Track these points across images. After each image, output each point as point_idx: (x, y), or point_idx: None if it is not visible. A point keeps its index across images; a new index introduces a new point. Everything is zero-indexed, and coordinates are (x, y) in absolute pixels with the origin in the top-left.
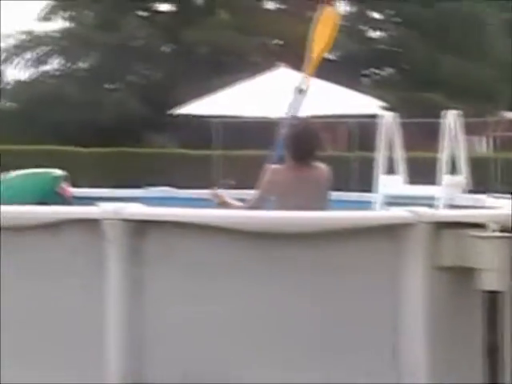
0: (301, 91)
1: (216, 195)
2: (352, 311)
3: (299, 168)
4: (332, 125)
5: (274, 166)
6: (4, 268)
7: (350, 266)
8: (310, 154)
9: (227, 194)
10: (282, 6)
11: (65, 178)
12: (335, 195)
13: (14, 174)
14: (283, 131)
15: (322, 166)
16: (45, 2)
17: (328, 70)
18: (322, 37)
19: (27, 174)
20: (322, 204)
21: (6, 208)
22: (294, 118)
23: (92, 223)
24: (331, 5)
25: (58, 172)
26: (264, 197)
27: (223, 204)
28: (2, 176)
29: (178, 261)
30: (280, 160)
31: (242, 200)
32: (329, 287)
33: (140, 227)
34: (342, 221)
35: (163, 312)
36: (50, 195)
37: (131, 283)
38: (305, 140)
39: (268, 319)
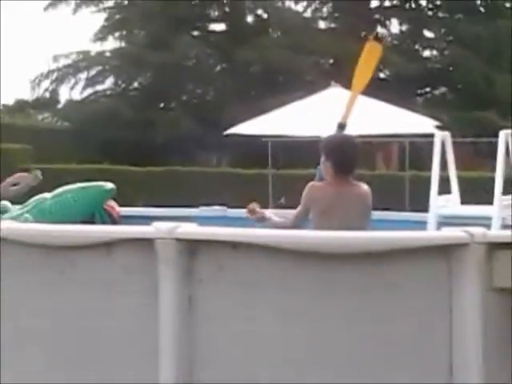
0: (342, 126)
1: (252, 211)
2: (406, 332)
3: (340, 184)
4: (384, 144)
5: (313, 183)
6: (57, 287)
7: (402, 287)
8: (352, 167)
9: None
10: (333, 25)
11: (113, 193)
12: (388, 215)
13: (62, 188)
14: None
15: (363, 184)
16: (100, 23)
17: (381, 89)
18: (362, 71)
19: (75, 189)
20: (364, 222)
21: (58, 226)
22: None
23: (145, 242)
24: (377, 40)
25: (107, 185)
26: (304, 214)
27: (261, 220)
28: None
29: (229, 280)
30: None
31: None
32: (381, 308)
33: (193, 247)
34: (394, 241)
35: (214, 331)
36: (99, 210)
37: (183, 302)
38: (346, 151)
39: (319, 339)
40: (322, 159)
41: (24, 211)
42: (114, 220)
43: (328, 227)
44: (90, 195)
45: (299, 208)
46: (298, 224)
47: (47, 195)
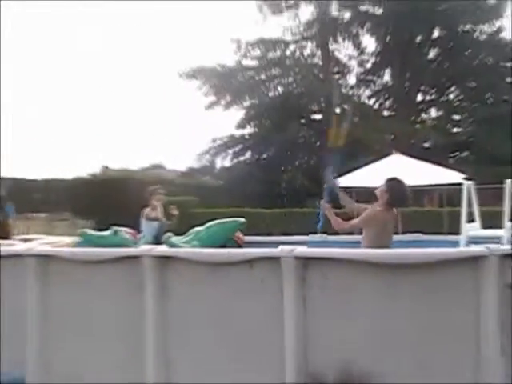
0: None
1: (324, 207)
2: (442, 322)
3: (388, 211)
4: (429, 190)
5: (373, 210)
6: (208, 296)
7: (444, 289)
8: (400, 206)
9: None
10: (393, 113)
11: (244, 225)
12: (433, 238)
13: (210, 223)
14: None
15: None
16: (241, 116)
17: (426, 154)
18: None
19: (218, 223)
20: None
21: (215, 250)
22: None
23: (274, 260)
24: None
25: (239, 220)
26: (360, 226)
27: (329, 214)
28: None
29: (332, 286)
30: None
31: None
32: (432, 306)
33: (306, 262)
34: (440, 255)
35: (322, 322)
36: (230, 240)
37: (300, 301)
38: (403, 196)
39: (391, 328)
40: (383, 188)
41: (190, 239)
42: (239, 246)
43: (381, 241)
44: (229, 226)
45: (358, 221)
46: (350, 230)
47: (201, 228)
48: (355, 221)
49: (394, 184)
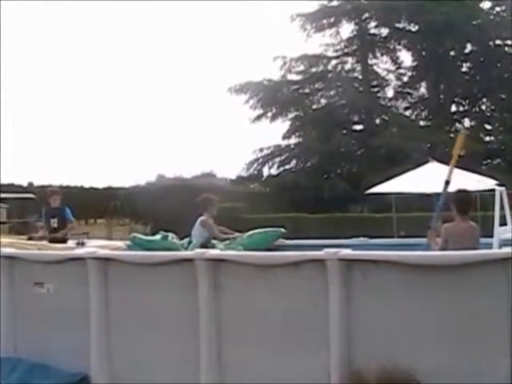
0: (447, 182)
1: (431, 234)
2: (475, 318)
3: (462, 221)
4: None
5: (446, 224)
6: (259, 293)
7: (477, 288)
8: (468, 210)
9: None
10: (428, 123)
11: (284, 234)
12: None
13: (253, 231)
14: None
15: (473, 222)
16: (286, 128)
17: (460, 162)
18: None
19: (260, 232)
20: (476, 244)
21: (263, 253)
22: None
23: (319, 262)
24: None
25: (280, 230)
26: (445, 244)
27: (431, 238)
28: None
29: (371, 284)
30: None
31: None
32: (459, 303)
33: (349, 263)
34: (474, 256)
35: (365, 315)
36: (271, 245)
37: (344, 298)
38: (464, 201)
39: (415, 316)
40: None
41: (234, 245)
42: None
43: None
44: (270, 235)
45: (441, 242)
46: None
47: (244, 235)
48: (440, 242)
49: (456, 195)
